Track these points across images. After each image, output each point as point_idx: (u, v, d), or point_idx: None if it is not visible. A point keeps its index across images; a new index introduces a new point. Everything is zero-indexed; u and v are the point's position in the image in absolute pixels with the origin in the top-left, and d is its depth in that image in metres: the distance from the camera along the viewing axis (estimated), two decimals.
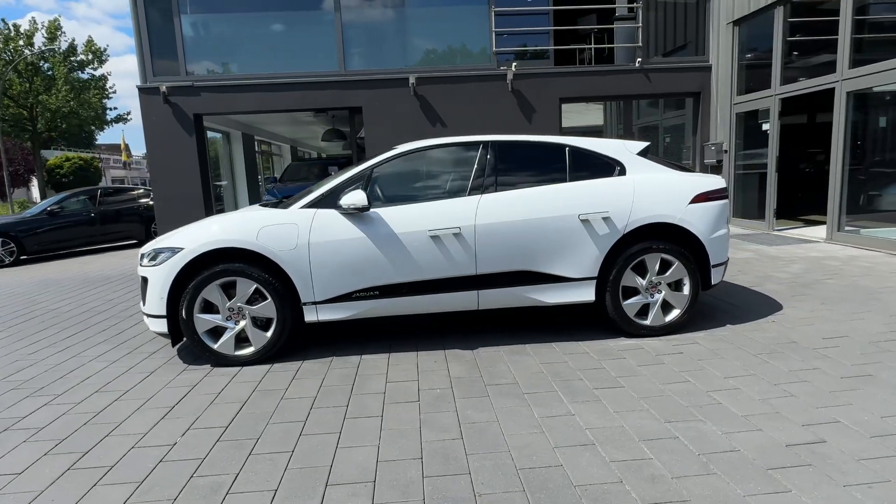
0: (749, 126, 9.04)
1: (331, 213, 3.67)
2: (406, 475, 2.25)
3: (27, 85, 30.36)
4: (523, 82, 9.41)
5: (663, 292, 3.91)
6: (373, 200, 3.78)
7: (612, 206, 3.79)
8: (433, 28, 9.80)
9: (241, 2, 9.40)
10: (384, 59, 9.49)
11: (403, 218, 3.69)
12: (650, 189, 3.88)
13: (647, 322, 3.90)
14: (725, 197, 4.04)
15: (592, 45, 10.34)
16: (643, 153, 4.11)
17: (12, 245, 9.96)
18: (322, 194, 3.75)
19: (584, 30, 10.64)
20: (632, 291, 3.89)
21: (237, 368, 3.61)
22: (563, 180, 3.89)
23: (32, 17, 32.19)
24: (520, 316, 4.49)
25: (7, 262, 9.88)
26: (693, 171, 4.40)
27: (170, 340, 3.77)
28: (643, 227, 3.85)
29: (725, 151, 9.41)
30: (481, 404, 2.90)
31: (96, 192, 11.62)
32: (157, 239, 3.93)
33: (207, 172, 9.66)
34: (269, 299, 3.61)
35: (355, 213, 3.65)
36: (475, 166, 3.88)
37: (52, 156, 41.41)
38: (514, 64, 9.35)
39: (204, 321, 3.61)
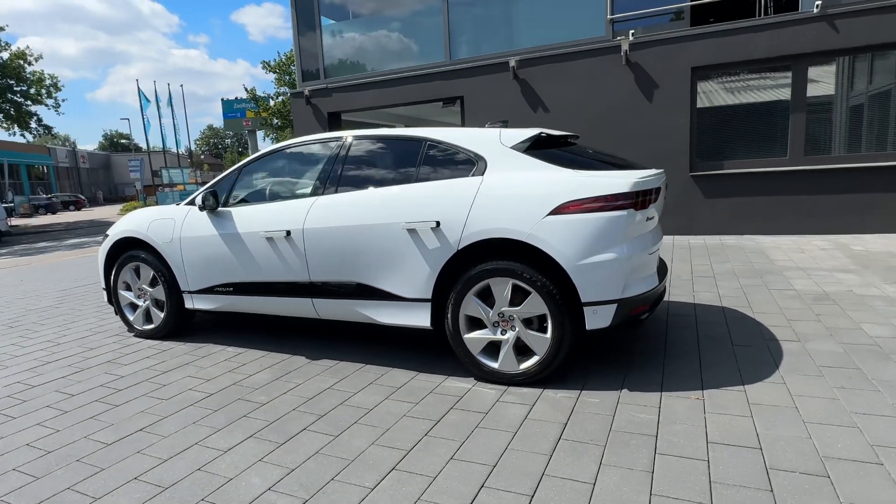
0: None
1: (199, 211, 3.92)
2: None
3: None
4: (643, 52, 7.75)
5: (517, 329, 2.98)
6: (240, 200, 3.89)
7: (445, 214, 3.04)
8: (538, 2, 8.83)
9: (365, 6, 10.16)
10: (486, 43, 9.00)
11: (248, 218, 3.69)
12: (497, 194, 2.97)
13: (496, 366, 3.03)
14: (621, 207, 2.79)
15: None
16: (527, 146, 3.13)
17: None
18: (198, 193, 4.02)
19: None
20: (483, 324, 3.09)
21: (137, 341, 4.23)
22: (413, 181, 3.28)
23: None
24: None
25: None
26: (640, 168, 3.15)
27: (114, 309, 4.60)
28: (486, 243, 2.99)
29: None
30: (179, 419, 2.79)
31: None
32: None
33: None
34: (160, 284, 4.09)
35: (210, 212, 3.82)
36: (323, 165, 3.59)
37: None
38: (631, 32, 7.79)
39: (124, 297, 4.32)
